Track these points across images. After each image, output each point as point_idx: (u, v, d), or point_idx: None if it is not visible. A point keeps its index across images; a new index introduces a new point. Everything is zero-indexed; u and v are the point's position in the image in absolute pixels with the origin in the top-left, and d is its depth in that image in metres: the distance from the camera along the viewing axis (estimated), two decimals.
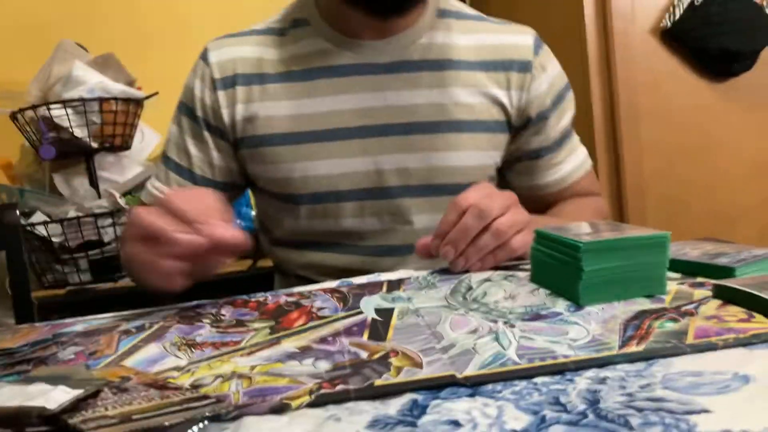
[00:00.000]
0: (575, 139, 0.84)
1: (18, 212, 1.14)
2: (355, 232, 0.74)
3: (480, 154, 0.76)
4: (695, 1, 1.19)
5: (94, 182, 1.46)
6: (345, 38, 0.74)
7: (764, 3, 1.23)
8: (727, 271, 0.46)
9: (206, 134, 0.77)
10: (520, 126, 0.78)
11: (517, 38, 0.78)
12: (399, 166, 0.74)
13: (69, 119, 1.37)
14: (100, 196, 1.42)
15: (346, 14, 0.73)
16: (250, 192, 0.88)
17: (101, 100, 1.39)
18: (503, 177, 0.83)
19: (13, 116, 1.41)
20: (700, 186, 1.24)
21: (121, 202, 1.36)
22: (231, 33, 0.80)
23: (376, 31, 0.74)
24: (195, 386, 0.32)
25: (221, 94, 0.76)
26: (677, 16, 1.19)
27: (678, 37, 1.20)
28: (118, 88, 1.43)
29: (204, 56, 0.79)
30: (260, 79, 0.76)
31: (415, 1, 0.71)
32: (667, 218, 1.23)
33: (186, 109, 0.79)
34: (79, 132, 1.39)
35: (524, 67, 0.76)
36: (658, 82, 1.22)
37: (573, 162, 0.83)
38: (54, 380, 0.28)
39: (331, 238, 0.76)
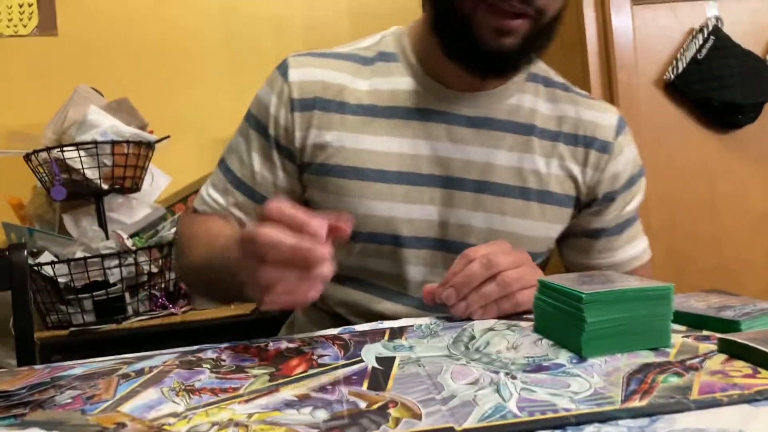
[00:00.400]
0: (638, 227, 0.83)
1: (26, 252, 1.15)
2: (406, 278, 0.73)
3: (545, 225, 0.75)
4: (698, 55, 1.21)
5: (102, 223, 1.47)
6: (435, 84, 0.73)
7: (766, 56, 1.25)
8: (733, 325, 0.46)
9: (275, 154, 0.75)
10: (585, 204, 0.77)
11: (602, 116, 0.77)
12: (463, 222, 0.72)
13: (81, 161, 1.39)
14: (108, 237, 1.43)
15: (443, 62, 0.71)
16: None
17: (113, 143, 1.42)
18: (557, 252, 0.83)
19: (27, 157, 1.43)
20: (706, 239, 1.24)
21: (128, 243, 1.37)
22: (313, 51, 0.78)
23: (468, 84, 0.72)
24: None
25: (297, 116, 0.73)
26: (680, 69, 1.21)
27: (681, 90, 1.22)
28: (130, 131, 1.46)
29: (284, 72, 0.75)
30: (340, 108, 0.73)
31: (517, 69, 0.71)
32: (674, 272, 1.22)
33: (256, 123, 0.76)
34: (91, 174, 1.41)
35: (604, 147, 0.76)
36: (663, 134, 1.23)
37: (631, 251, 0.81)
38: (49, 425, 0.28)
39: (379, 280, 0.74)
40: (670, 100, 1.24)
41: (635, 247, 0.81)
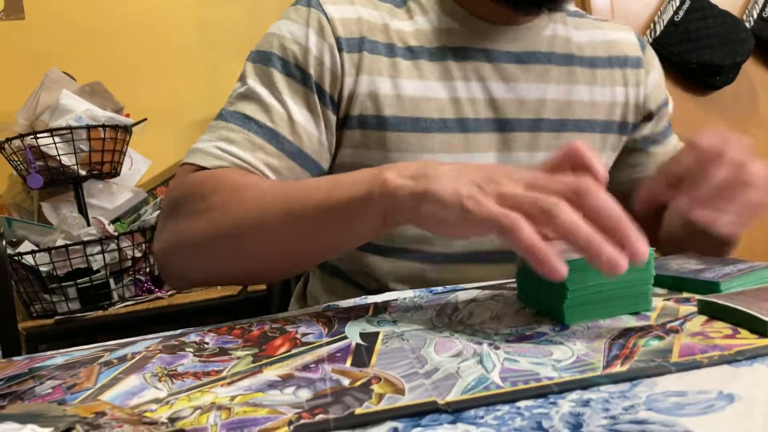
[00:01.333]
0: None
1: (5, 242, 1.13)
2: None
3: (604, 155, 0.74)
4: (675, 17, 1.20)
5: (83, 210, 1.45)
6: (474, 19, 0.68)
7: (744, 16, 1.25)
8: (712, 286, 0.46)
9: (317, 102, 0.63)
10: (640, 122, 0.77)
11: (623, 35, 0.77)
12: (521, 164, 0.69)
13: (57, 148, 1.37)
14: (89, 224, 1.42)
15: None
16: None
17: (89, 128, 1.39)
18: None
19: (0, 146, 1.40)
20: None
21: (110, 228, 1.35)
22: None
23: (506, 17, 0.68)
24: (173, 419, 0.31)
25: (347, 57, 0.63)
26: (658, 32, 1.20)
27: (659, 52, 1.21)
28: (105, 115, 1.44)
29: (316, 4, 0.65)
30: (389, 50, 0.65)
31: (559, 3, 0.66)
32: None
33: (286, 65, 0.63)
34: (67, 160, 1.38)
35: (637, 63, 0.75)
36: None
37: (675, 139, 0.81)
38: (25, 418, 0.27)
39: (419, 243, 0.67)
40: None
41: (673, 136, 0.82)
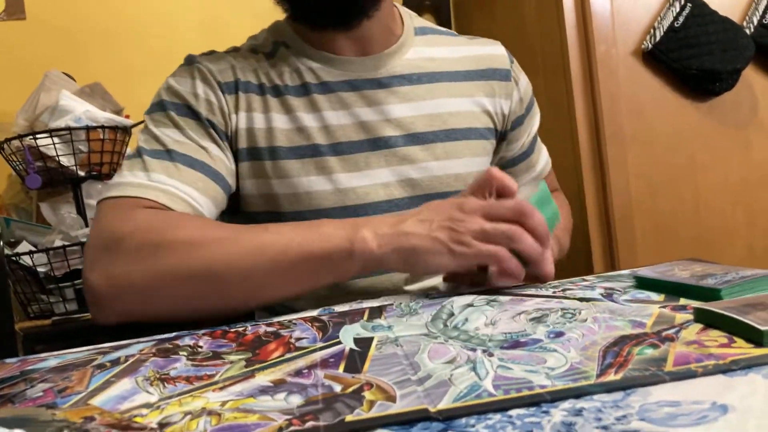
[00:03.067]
0: (538, 138, 0.91)
1: (3, 243, 1.13)
2: None
3: (476, 159, 0.78)
4: (675, 23, 1.20)
5: (81, 210, 1.45)
6: (331, 56, 0.74)
7: (744, 23, 1.25)
8: (713, 293, 0.46)
9: (215, 135, 0.70)
10: (503, 133, 0.82)
11: (491, 49, 0.83)
12: (403, 177, 0.74)
13: (56, 148, 1.36)
14: (87, 224, 1.42)
15: (323, 35, 0.73)
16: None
17: (88, 129, 1.39)
18: None
19: None
20: (687, 208, 1.25)
21: None
22: (214, 51, 0.77)
23: (357, 48, 0.75)
24: (163, 424, 0.31)
25: (228, 98, 0.71)
26: (658, 38, 1.20)
27: (659, 58, 1.21)
28: (105, 117, 1.44)
29: (195, 62, 0.73)
30: (259, 90, 0.73)
31: (360, 13, 0.71)
32: (656, 241, 1.23)
33: (180, 108, 0.69)
34: (66, 161, 1.38)
35: (504, 75, 0.81)
36: (642, 104, 1.23)
37: (542, 161, 0.90)
38: (13, 423, 0.27)
39: None
40: (649, 69, 1.24)
41: (543, 155, 0.91)
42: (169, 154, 0.66)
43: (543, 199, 0.59)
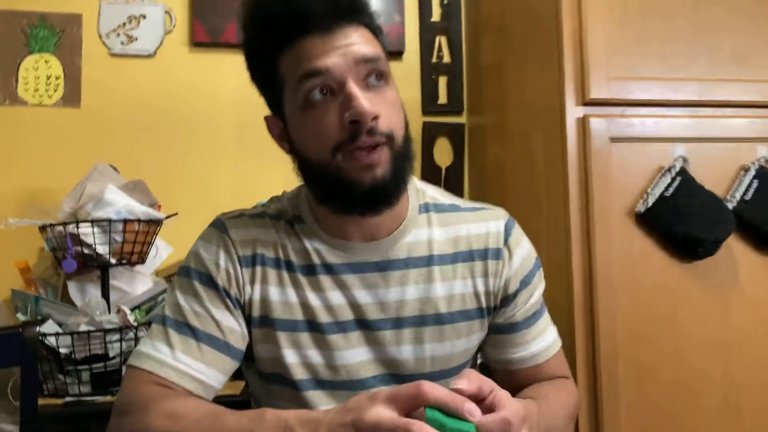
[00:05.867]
0: (545, 318, 0.93)
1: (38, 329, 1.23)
2: None
3: (463, 341, 0.85)
4: (665, 192, 1.35)
5: (106, 294, 1.55)
6: (338, 240, 0.82)
7: (727, 197, 1.40)
8: None
9: (230, 304, 0.80)
10: (494, 307, 0.87)
11: (489, 226, 0.87)
12: (391, 357, 0.82)
13: (94, 237, 1.48)
14: (110, 308, 1.51)
15: (336, 220, 0.81)
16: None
17: (125, 222, 1.51)
18: (480, 349, 0.93)
19: (42, 227, 1.52)
20: (668, 355, 1.35)
21: (131, 318, 1.45)
22: (245, 210, 0.87)
23: (363, 234, 0.82)
24: None
25: (245, 271, 0.81)
26: (650, 204, 1.34)
27: (650, 222, 1.35)
28: (142, 211, 1.56)
29: (223, 230, 0.83)
30: (275, 264, 0.82)
31: (398, 195, 0.78)
32: (637, 383, 1.33)
33: (203, 277, 0.80)
34: (101, 249, 1.50)
35: (496, 254, 0.86)
36: (632, 260, 1.35)
37: (542, 343, 0.90)
38: None
39: None
40: (641, 229, 1.37)
41: (545, 339, 0.91)
42: (187, 328, 0.78)
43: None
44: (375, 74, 0.75)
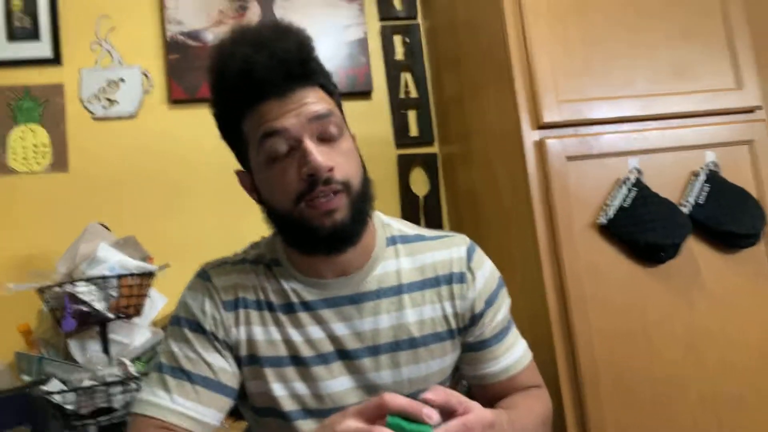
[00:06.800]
0: (513, 333, 0.99)
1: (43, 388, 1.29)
2: None
3: (437, 361, 0.92)
4: (624, 203, 1.44)
5: (106, 348, 1.61)
6: (312, 279, 0.89)
7: (681, 201, 1.49)
8: None
9: (219, 346, 0.87)
10: (463, 327, 0.94)
11: (452, 252, 0.94)
12: (371, 383, 0.89)
13: (91, 294, 1.55)
14: (111, 361, 1.57)
15: (307, 260, 0.88)
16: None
17: (120, 277, 1.58)
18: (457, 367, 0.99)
19: (40, 290, 1.59)
20: (642, 364, 1.42)
21: (132, 369, 1.51)
22: (227, 258, 0.95)
23: (335, 271, 0.89)
24: None
25: (229, 315, 0.88)
26: (611, 215, 1.43)
27: (612, 232, 1.44)
28: (135, 264, 1.63)
29: (207, 278, 0.90)
30: (257, 306, 0.89)
31: (359, 233, 0.85)
32: (621, 400, 1.39)
33: (191, 324, 0.87)
34: (99, 305, 1.57)
35: (460, 278, 0.92)
36: (599, 270, 1.43)
37: (512, 356, 0.97)
38: None
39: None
40: (604, 239, 1.45)
41: (515, 352, 0.97)
42: (182, 373, 0.85)
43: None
44: (329, 129, 0.82)
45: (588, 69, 1.51)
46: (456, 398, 0.68)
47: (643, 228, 1.43)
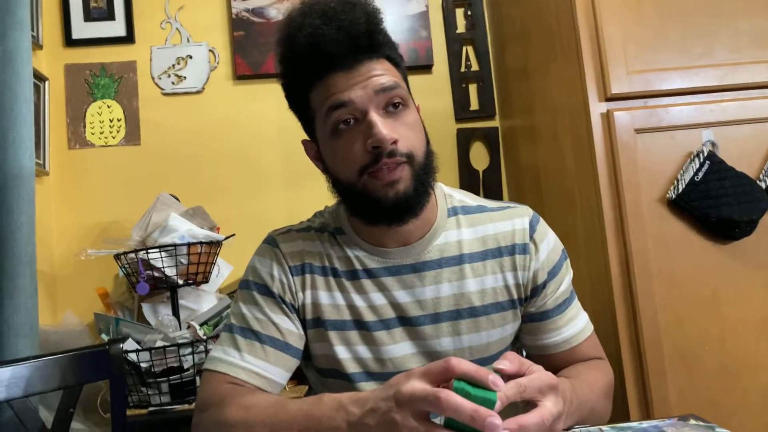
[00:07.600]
0: (575, 305, 0.98)
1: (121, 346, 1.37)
2: None
3: (498, 330, 0.93)
4: (695, 177, 1.39)
5: (176, 312, 1.69)
6: (375, 247, 0.91)
7: (760, 176, 1.42)
8: None
9: (286, 309, 0.90)
10: (525, 297, 0.94)
11: (515, 223, 0.94)
12: (432, 349, 0.91)
13: (162, 261, 1.63)
14: (180, 325, 1.65)
15: (370, 230, 0.90)
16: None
17: (189, 245, 1.65)
18: (518, 337, 0.99)
19: (117, 257, 1.68)
20: (712, 339, 1.38)
21: (200, 333, 1.58)
22: (292, 226, 0.98)
23: (397, 241, 0.91)
24: None
25: (296, 279, 0.91)
26: (680, 190, 1.38)
27: (682, 207, 1.39)
28: (203, 234, 1.70)
29: (275, 245, 0.93)
30: (322, 271, 0.92)
31: (422, 205, 0.86)
32: (684, 369, 1.36)
33: (260, 287, 0.91)
34: (169, 271, 1.64)
35: (523, 249, 0.93)
36: (667, 245, 1.39)
37: (574, 327, 0.96)
38: None
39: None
40: (673, 214, 1.41)
41: (577, 324, 0.96)
42: (252, 333, 0.89)
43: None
44: (394, 101, 0.83)
45: (662, 39, 1.45)
46: (527, 365, 0.68)
47: (716, 203, 1.37)
